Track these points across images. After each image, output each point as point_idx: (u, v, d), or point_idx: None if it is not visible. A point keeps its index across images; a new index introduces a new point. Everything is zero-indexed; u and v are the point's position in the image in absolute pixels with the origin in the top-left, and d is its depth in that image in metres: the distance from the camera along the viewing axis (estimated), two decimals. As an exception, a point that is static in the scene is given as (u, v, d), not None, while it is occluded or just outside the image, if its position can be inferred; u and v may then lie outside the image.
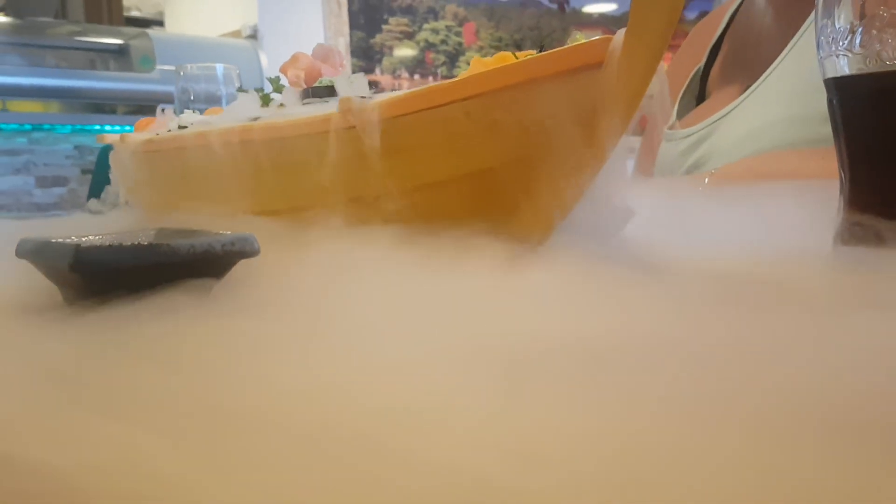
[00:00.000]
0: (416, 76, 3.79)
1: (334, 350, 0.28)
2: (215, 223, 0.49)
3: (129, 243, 0.31)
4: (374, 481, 0.17)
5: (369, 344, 0.28)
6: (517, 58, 0.47)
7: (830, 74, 0.41)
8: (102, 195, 0.76)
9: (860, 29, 0.39)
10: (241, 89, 0.70)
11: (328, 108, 0.50)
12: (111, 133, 2.94)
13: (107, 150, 2.33)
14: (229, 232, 0.34)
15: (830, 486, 0.16)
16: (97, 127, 2.97)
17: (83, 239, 0.34)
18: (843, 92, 0.41)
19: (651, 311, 0.32)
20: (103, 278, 0.32)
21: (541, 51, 0.49)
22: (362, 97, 0.47)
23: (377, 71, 3.67)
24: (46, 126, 2.90)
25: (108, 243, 0.31)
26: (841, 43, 0.39)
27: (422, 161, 0.46)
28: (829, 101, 0.42)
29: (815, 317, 0.30)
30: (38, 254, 0.34)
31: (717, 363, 0.24)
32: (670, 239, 0.48)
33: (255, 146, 0.52)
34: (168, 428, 0.20)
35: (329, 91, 0.57)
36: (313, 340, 0.28)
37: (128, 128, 2.90)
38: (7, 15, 3.21)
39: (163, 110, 0.72)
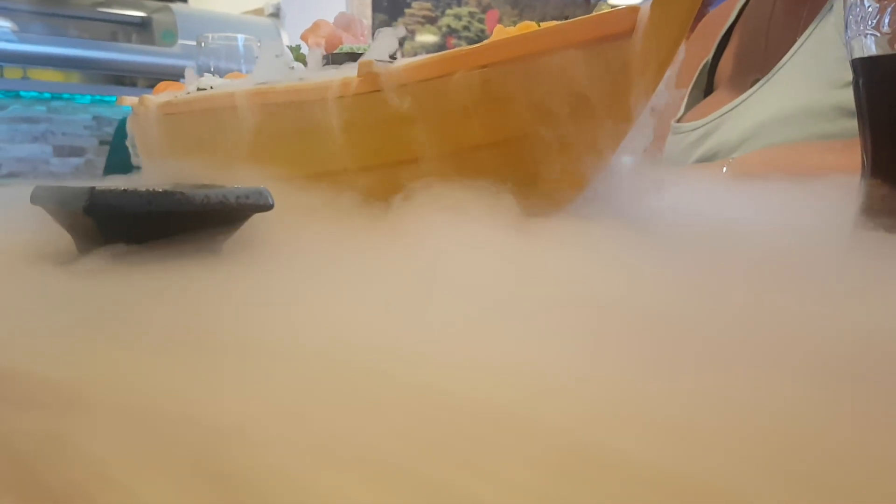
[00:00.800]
0: (437, 61, 3.78)
1: (347, 303, 0.27)
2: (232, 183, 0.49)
3: (144, 189, 0.31)
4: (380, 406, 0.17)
5: (383, 294, 0.28)
6: (539, 26, 0.47)
7: (857, 55, 0.40)
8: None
9: (890, 8, 0.38)
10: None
11: (347, 71, 0.50)
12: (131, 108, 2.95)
13: (126, 122, 2.33)
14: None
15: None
16: (116, 99, 2.97)
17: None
18: (869, 72, 0.40)
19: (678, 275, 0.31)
20: (117, 224, 0.32)
21: (565, 20, 0.48)
22: (381, 61, 0.47)
23: (398, 55, 3.65)
24: (66, 95, 2.91)
25: (122, 188, 0.31)
26: (869, 22, 0.39)
27: (446, 127, 0.45)
28: (855, 82, 0.41)
29: (838, 294, 0.30)
30: (52, 199, 0.34)
31: (744, 335, 0.24)
32: (690, 218, 0.48)
33: (273, 109, 0.52)
34: (174, 352, 0.20)
35: (349, 58, 0.57)
36: (329, 289, 0.28)
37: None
38: (32, -17, 3.22)
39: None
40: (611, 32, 0.41)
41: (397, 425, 0.17)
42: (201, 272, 0.31)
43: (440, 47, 3.82)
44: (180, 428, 0.16)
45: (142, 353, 0.20)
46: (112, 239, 0.33)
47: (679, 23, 0.39)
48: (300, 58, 0.70)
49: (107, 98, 2.96)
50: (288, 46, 0.71)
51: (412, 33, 3.76)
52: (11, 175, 2.81)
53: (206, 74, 0.67)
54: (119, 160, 2.44)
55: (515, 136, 0.44)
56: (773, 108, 0.83)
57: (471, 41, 3.96)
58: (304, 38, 0.64)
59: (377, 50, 0.48)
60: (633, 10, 0.40)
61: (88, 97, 2.95)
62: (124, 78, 3.04)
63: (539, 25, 0.47)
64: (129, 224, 0.32)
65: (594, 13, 0.43)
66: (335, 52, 0.58)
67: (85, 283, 0.29)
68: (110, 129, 2.83)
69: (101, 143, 2.94)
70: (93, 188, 0.30)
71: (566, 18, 0.45)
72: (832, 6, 0.82)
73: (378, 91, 0.47)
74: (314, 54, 0.56)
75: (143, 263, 0.31)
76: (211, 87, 0.61)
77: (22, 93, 2.83)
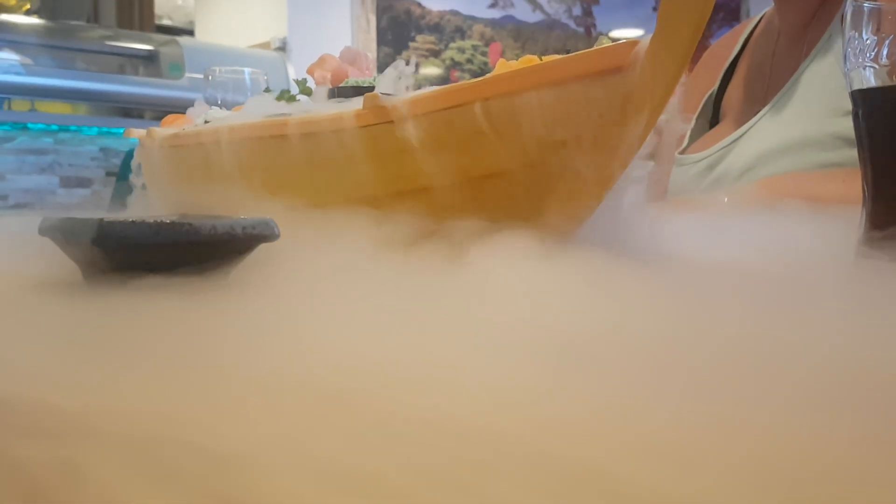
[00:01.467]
0: (441, 93, 3.81)
1: (354, 332, 0.28)
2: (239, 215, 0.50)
3: (152, 220, 0.31)
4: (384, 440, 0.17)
5: (387, 328, 0.28)
6: (541, 59, 0.48)
7: (857, 86, 0.41)
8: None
9: (888, 41, 0.39)
10: (267, 90, 0.70)
11: (354, 104, 0.51)
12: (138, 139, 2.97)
13: (133, 153, 2.34)
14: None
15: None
16: (124, 131, 2.99)
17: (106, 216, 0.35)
18: (869, 104, 0.40)
19: (673, 305, 0.32)
20: (124, 254, 0.32)
21: (567, 54, 0.49)
22: (386, 94, 0.48)
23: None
24: (73, 128, 2.94)
25: (130, 219, 0.31)
26: (868, 55, 0.39)
27: (449, 159, 0.46)
28: (855, 114, 0.42)
29: (835, 319, 0.30)
30: (60, 229, 0.34)
31: (739, 357, 0.24)
32: (694, 247, 0.48)
33: (278, 141, 0.53)
34: (180, 379, 0.20)
35: (355, 92, 0.58)
36: (335, 319, 0.28)
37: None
38: (40, 17, 3.26)
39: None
40: (612, 66, 0.41)
41: (402, 453, 0.17)
42: (208, 301, 0.32)
43: (444, 80, 3.85)
44: (187, 455, 0.17)
45: (149, 380, 0.21)
46: (120, 269, 0.33)
47: (679, 56, 0.39)
48: (306, 91, 0.71)
49: (114, 130, 2.98)
50: (294, 80, 0.72)
51: (416, 66, 3.80)
52: (18, 206, 2.83)
53: (213, 108, 0.68)
54: (126, 191, 2.45)
55: (517, 168, 0.45)
56: (775, 138, 0.83)
57: (474, 74, 4.00)
58: (310, 71, 0.64)
59: (384, 83, 0.49)
60: (633, 43, 0.41)
61: (95, 129, 2.97)
62: (131, 110, 3.07)
63: (541, 59, 0.48)
64: (137, 254, 0.32)
65: (595, 47, 0.44)
66: (341, 85, 0.59)
67: (92, 311, 0.30)
68: (117, 161, 2.85)
69: (108, 174, 2.96)
70: (101, 220, 0.31)
71: (568, 52, 0.46)
72: (830, 35, 0.83)
73: (383, 123, 0.47)
74: (320, 91, 0.57)
75: (150, 292, 0.32)
76: (218, 120, 0.61)
77: (30, 125, 2.85)
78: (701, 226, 0.59)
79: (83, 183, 2.93)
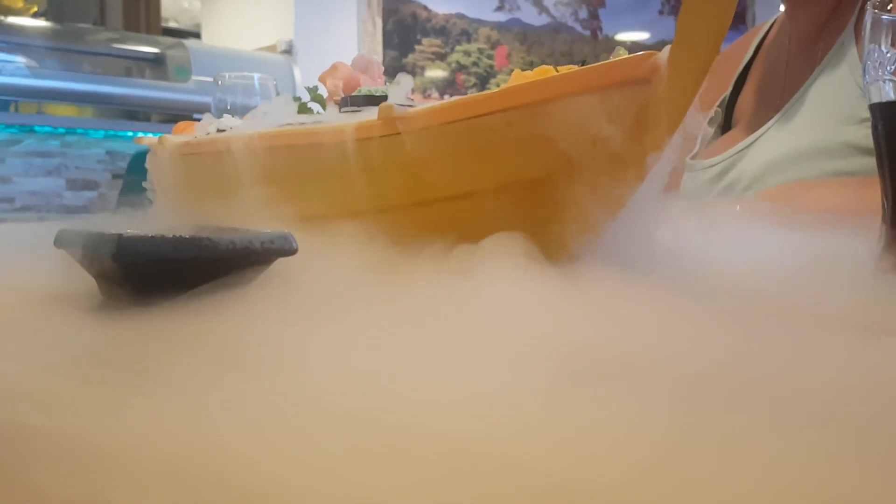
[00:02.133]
0: (447, 97, 3.81)
1: (372, 350, 0.28)
2: (252, 225, 0.50)
3: (171, 235, 0.31)
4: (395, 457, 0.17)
5: (403, 345, 0.28)
6: (557, 72, 0.47)
7: (875, 100, 0.41)
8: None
9: (908, 55, 0.38)
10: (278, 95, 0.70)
11: (366, 115, 0.51)
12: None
13: (140, 155, 2.35)
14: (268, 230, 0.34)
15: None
16: (130, 133, 3.00)
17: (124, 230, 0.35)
18: (888, 117, 0.40)
19: (685, 327, 0.31)
20: (143, 270, 0.32)
21: (582, 66, 0.49)
22: (402, 105, 0.47)
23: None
24: (80, 130, 2.94)
25: (150, 234, 0.31)
26: (888, 68, 0.39)
27: (464, 170, 0.46)
28: (874, 127, 0.41)
29: (849, 337, 0.30)
30: (78, 244, 0.34)
31: (754, 380, 0.24)
32: (706, 259, 0.48)
33: (293, 151, 0.52)
34: (201, 404, 0.20)
35: (368, 100, 0.57)
36: (353, 337, 0.28)
37: (162, 134, 2.92)
38: (47, 20, 3.26)
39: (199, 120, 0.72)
40: (629, 78, 0.41)
41: (425, 479, 0.17)
42: (226, 317, 0.31)
43: (450, 83, 3.85)
44: (216, 489, 0.16)
45: (174, 407, 0.20)
46: (138, 284, 0.33)
47: (698, 69, 0.39)
48: (317, 98, 0.71)
49: (120, 133, 2.99)
50: (305, 87, 0.72)
51: (422, 69, 3.80)
52: (25, 208, 2.83)
53: (225, 115, 0.68)
54: (132, 194, 2.45)
55: (532, 180, 0.45)
56: (786, 145, 0.83)
57: (480, 77, 4.00)
58: (322, 79, 0.64)
59: (396, 94, 0.49)
60: (652, 56, 0.40)
61: (102, 132, 2.98)
62: (138, 113, 3.07)
63: (557, 70, 0.47)
64: (156, 269, 0.32)
65: (612, 59, 0.43)
66: (353, 94, 0.59)
67: (112, 331, 0.30)
68: (123, 164, 2.85)
69: (115, 177, 2.96)
70: (120, 235, 0.31)
71: (584, 63, 0.45)
72: (842, 43, 0.82)
73: (397, 134, 0.47)
74: (333, 108, 0.57)
75: (168, 309, 0.31)
76: (231, 129, 0.61)
77: (36, 127, 2.86)
78: (714, 237, 0.58)
79: (89, 186, 2.93)
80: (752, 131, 0.89)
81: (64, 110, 2.97)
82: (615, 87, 0.41)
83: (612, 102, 0.41)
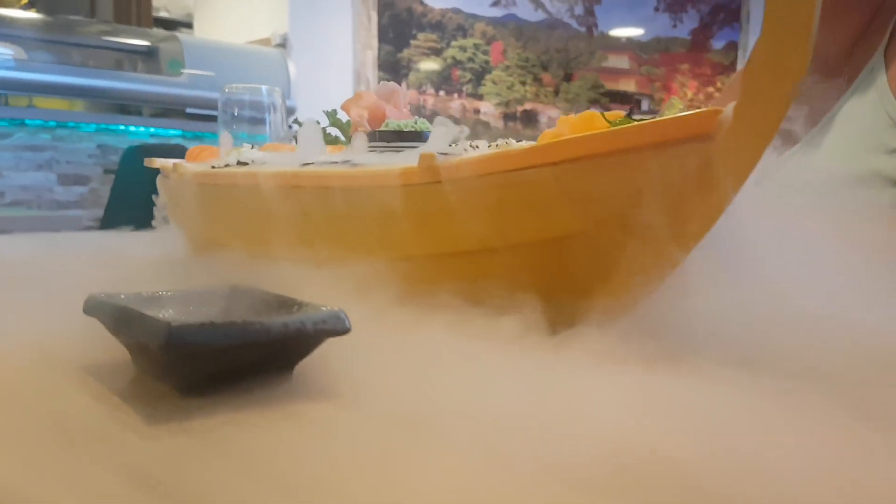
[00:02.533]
0: (442, 92, 3.78)
1: (431, 445, 0.26)
2: (280, 272, 0.48)
3: (222, 322, 0.29)
4: None
5: (461, 439, 0.26)
6: (605, 118, 0.45)
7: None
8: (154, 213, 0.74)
9: None
10: (296, 121, 0.68)
11: (400, 159, 0.49)
12: (137, 136, 2.93)
13: (132, 151, 2.30)
14: (323, 307, 0.32)
15: None
16: (122, 127, 2.96)
17: (167, 311, 0.33)
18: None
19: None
20: (190, 361, 0.30)
21: (629, 114, 0.47)
22: (443, 153, 0.45)
23: (403, 85, 3.65)
24: (71, 124, 2.90)
25: (199, 322, 0.29)
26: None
27: (507, 222, 0.44)
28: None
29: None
30: (122, 324, 0.32)
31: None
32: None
33: (328, 193, 0.50)
34: None
35: (397, 136, 0.55)
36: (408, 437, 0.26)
37: (153, 130, 2.87)
38: (38, 11, 3.21)
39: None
40: (690, 135, 0.39)
41: None
42: (274, 405, 0.30)
43: (444, 77, 3.81)
44: None
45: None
46: (182, 371, 0.31)
47: (766, 129, 0.37)
48: (336, 123, 0.69)
49: (112, 127, 2.94)
50: (324, 111, 0.70)
51: (417, 63, 3.76)
52: (15, 203, 2.79)
53: (244, 145, 0.65)
54: (123, 189, 2.42)
55: (582, 235, 0.43)
56: (811, 173, 0.81)
57: (475, 72, 3.96)
58: (345, 108, 0.62)
59: (436, 142, 0.47)
60: (716, 112, 0.38)
61: (93, 126, 2.94)
62: (129, 107, 3.03)
63: (603, 116, 0.45)
64: (204, 360, 0.30)
65: (668, 112, 0.41)
66: (382, 129, 0.57)
67: (152, 438, 0.27)
68: (115, 158, 2.81)
69: (106, 171, 2.92)
70: (170, 325, 0.28)
71: (630, 112, 0.43)
72: (872, 69, 0.80)
73: (437, 182, 0.45)
74: (360, 137, 0.54)
75: (213, 406, 0.29)
76: (252, 161, 0.59)
77: (27, 121, 2.82)
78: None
79: (81, 180, 2.90)
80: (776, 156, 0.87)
81: (55, 104, 2.93)
82: (674, 144, 0.39)
83: (672, 159, 0.39)
